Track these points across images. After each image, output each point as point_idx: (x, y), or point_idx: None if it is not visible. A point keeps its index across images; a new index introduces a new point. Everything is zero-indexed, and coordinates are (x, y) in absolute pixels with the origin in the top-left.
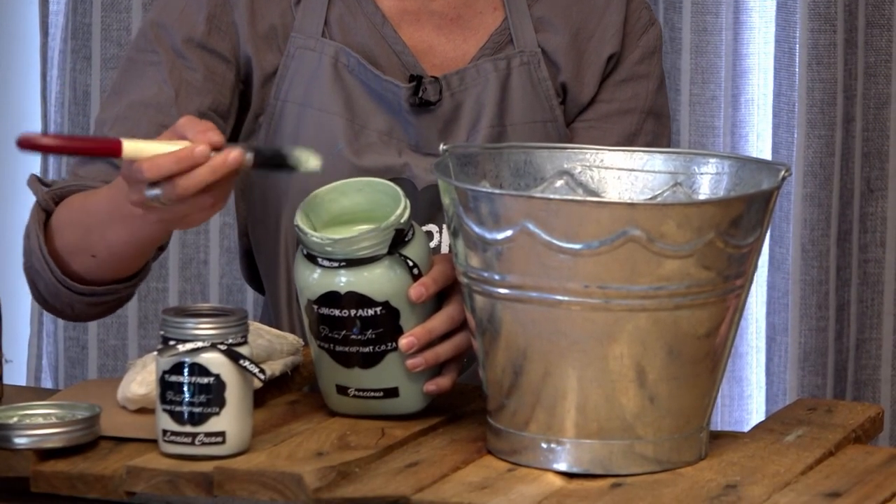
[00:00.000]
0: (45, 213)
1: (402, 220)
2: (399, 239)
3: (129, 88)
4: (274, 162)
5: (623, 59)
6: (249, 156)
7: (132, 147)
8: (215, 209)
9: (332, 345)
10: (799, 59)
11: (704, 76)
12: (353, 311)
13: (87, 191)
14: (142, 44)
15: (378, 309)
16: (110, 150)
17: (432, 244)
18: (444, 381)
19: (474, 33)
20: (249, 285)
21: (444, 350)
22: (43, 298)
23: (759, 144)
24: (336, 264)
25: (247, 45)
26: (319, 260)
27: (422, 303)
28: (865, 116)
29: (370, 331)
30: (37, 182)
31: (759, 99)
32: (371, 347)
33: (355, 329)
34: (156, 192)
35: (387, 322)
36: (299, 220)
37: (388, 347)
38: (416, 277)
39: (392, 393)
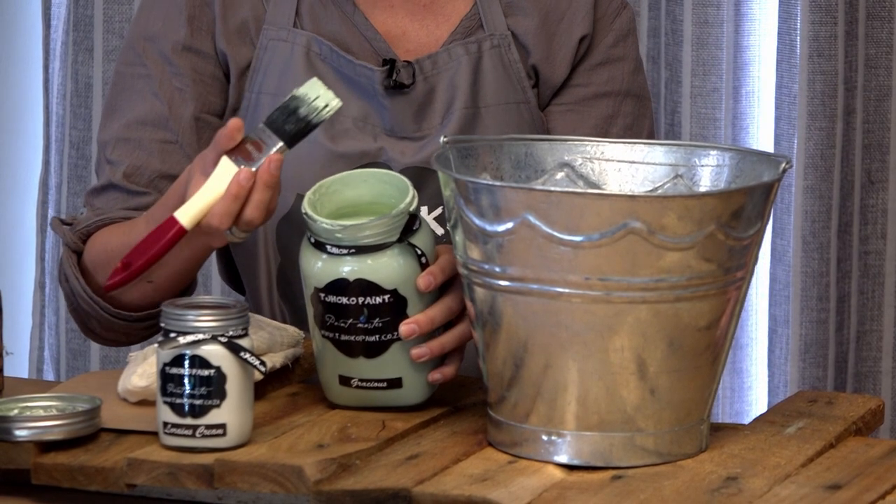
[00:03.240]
0: (76, 255)
1: (411, 209)
2: (408, 227)
3: (123, 106)
4: (301, 131)
5: (597, 43)
6: (283, 148)
7: (189, 214)
8: (276, 197)
9: (336, 334)
10: (800, 50)
11: (706, 68)
12: (360, 299)
13: (118, 224)
14: (130, 57)
15: (386, 297)
16: (176, 234)
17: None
18: (448, 371)
19: (447, 19)
20: (225, 282)
21: (448, 340)
22: (95, 334)
23: (760, 136)
24: (345, 251)
25: (221, 41)
26: (328, 247)
27: (429, 292)
28: (866, 108)
29: (377, 319)
30: (59, 224)
31: (760, 91)
32: (377, 336)
33: (362, 317)
34: (234, 230)
35: (394, 310)
36: (307, 208)
37: (394, 337)
38: (423, 266)
39: (395, 384)
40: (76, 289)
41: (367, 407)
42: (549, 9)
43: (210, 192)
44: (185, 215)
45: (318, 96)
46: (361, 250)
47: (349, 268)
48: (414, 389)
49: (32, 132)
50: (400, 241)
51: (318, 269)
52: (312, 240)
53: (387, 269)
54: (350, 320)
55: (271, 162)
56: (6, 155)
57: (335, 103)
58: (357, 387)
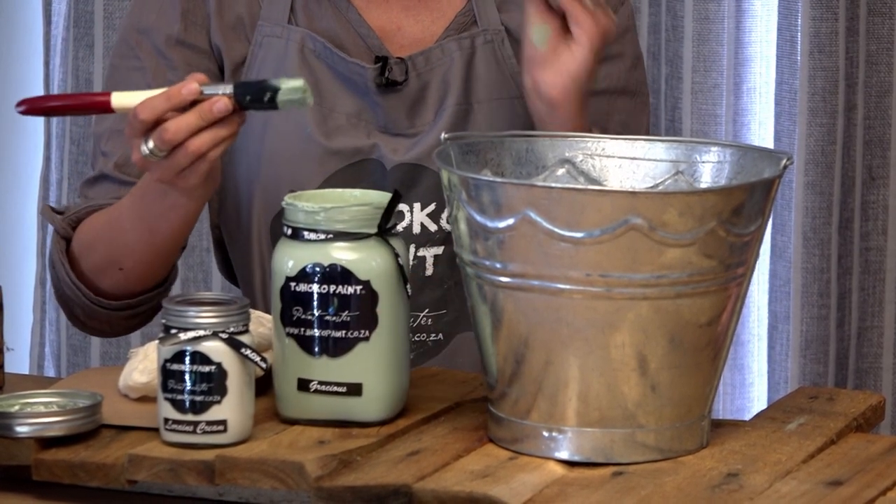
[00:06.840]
0: (65, 241)
1: (393, 206)
2: (387, 221)
3: None
4: (258, 99)
5: None
6: (230, 98)
7: (121, 98)
8: (208, 174)
9: (302, 329)
10: (801, 47)
11: (706, 64)
12: (332, 287)
13: (103, 208)
14: (123, 50)
15: (358, 288)
16: (101, 105)
17: (403, 223)
18: None
19: (441, 14)
20: (223, 275)
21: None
22: (80, 321)
23: (761, 133)
24: (323, 237)
25: (217, 36)
26: (305, 234)
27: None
28: (867, 104)
29: (346, 312)
30: (50, 211)
31: (760, 87)
32: (343, 332)
33: (331, 309)
34: (150, 143)
35: (364, 305)
36: (287, 198)
37: (360, 335)
38: (399, 269)
39: (355, 390)
40: (61, 274)
41: (323, 420)
42: None
43: (153, 91)
44: (117, 97)
45: (298, 88)
46: (339, 236)
47: (325, 252)
48: (373, 402)
49: (33, 128)
50: (379, 235)
51: (292, 258)
52: (289, 231)
53: (363, 258)
54: (318, 312)
55: (217, 101)
56: (7, 151)
57: (309, 100)
58: (315, 391)
